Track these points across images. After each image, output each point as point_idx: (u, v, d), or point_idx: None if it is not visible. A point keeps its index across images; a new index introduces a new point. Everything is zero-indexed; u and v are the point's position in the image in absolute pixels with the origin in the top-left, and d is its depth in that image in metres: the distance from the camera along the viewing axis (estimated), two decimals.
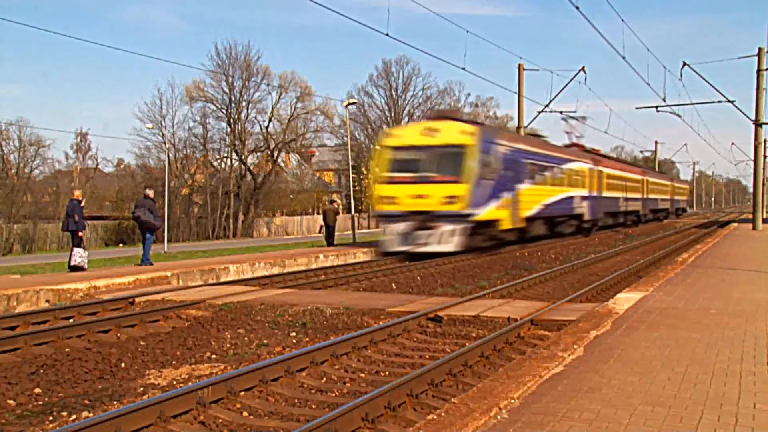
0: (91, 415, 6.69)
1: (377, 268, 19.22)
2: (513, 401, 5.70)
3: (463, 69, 27.29)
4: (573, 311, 11.17)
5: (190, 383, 7.72)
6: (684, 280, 14.08)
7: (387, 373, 8.30)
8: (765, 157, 76.94)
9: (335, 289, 15.25)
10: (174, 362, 8.93)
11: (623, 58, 31.03)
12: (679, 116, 43.65)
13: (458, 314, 11.36)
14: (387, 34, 18.90)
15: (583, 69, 36.26)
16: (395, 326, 10.35)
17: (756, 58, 36.65)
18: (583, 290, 14.47)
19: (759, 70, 36.46)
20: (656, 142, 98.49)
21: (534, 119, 37.46)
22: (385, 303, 12.65)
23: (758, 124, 37.32)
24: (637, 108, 45.71)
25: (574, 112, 51.64)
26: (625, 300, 11.38)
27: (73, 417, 6.72)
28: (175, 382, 7.93)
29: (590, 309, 10.87)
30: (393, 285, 15.99)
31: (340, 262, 22.91)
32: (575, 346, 7.81)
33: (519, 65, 36.79)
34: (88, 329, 10.28)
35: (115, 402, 7.18)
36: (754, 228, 37.29)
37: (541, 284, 16.42)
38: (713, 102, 46.23)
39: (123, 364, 8.76)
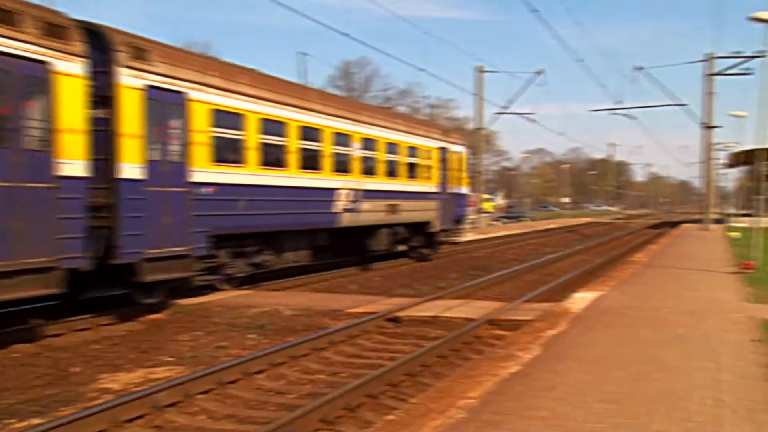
0: (41, 421, 6.51)
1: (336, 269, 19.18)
2: (471, 401, 5.73)
3: (423, 71, 27.43)
4: (530, 311, 11.30)
5: (145, 387, 7.59)
6: (638, 280, 14.38)
7: (346, 374, 8.28)
8: (715, 159, 79.01)
9: (294, 290, 15.16)
10: (129, 366, 8.76)
11: (580, 61, 31.60)
12: (635, 119, 44.56)
13: (417, 315, 11.40)
14: (347, 35, 18.82)
15: (541, 72, 36.76)
16: (354, 327, 10.33)
17: (704, 63, 37.71)
18: (540, 290, 14.64)
19: (707, 75, 37.53)
20: (610, 144, 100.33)
21: (495, 121, 37.77)
22: (345, 304, 12.62)
23: (707, 127, 38.38)
24: (591, 110, 45.95)
25: (533, 114, 52.10)
26: (581, 300, 11.57)
27: (23, 424, 6.54)
28: (129, 386, 7.78)
29: (547, 309, 11.01)
30: (352, 286, 15.98)
31: None
32: (532, 346, 7.90)
33: (477, 67, 37.18)
34: (38, 333, 10.02)
35: (66, 408, 7.01)
36: (704, 229, 38.27)
37: (498, 284, 16.57)
38: (667, 105, 46.64)
39: (75, 369, 8.56)
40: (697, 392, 6.00)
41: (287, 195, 14.58)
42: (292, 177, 14.75)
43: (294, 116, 14.85)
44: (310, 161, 15.44)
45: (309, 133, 15.41)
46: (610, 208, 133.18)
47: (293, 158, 14.81)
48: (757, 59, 33.98)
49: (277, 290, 14.95)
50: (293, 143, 14.79)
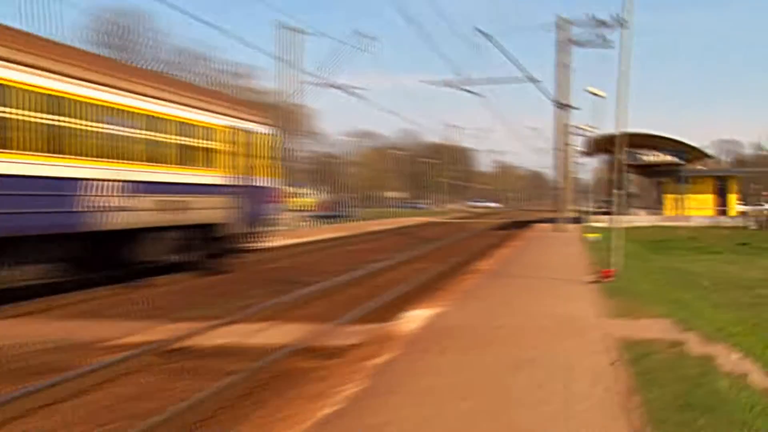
0: None
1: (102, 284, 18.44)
2: None
3: (223, 31, 27.11)
4: (354, 334, 11.54)
5: None
6: (483, 292, 15.16)
7: (113, 426, 8.01)
8: (571, 144, 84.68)
9: (40, 315, 14.38)
10: None
11: (415, 25, 32.74)
12: (482, 97, 46.62)
13: (209, 344, 11.26)
14: None
15: (369, 37, 37.56)
16: (126, 362, 10.02)
17: (556, 29, 40.15)
18: (366, 307, 14.98)
19: (559, 43, 40.01)
20: (451, 126, 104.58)
21: (317, 98, 38.14)
22: (113, 332, 12.20)
23: (561, 106, 40.87)
24: (427, 82, 46.92)
25: (360, 88, 53.19)
26: (415, 318, 11.99)
27: None
28: None
29: (375, 331, 11.32)
30: (123, 308, 15.45)
31: None
32: (357, 377, 8.08)
33: (282, 24, 37.32)
34: None
35: None
36: (560, 230, 41.00)
37: (315, 301, 16.74)
38: (516, 81, 48.86)
39: None
40: (548, 427, 6.43)
41: (6, 188, 13.25)
42: (12, 162, 13.35)
43: (17, 77, 13.55)
44: (44, 141, 14.19)
45: (41, 100, 14.11)
46: (492, 204, 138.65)
47: (15, 136, 13.50)
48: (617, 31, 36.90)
49: (13, 317, 14.13)
50: (17, 114, 13.53)
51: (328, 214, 67.25)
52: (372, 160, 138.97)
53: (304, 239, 35.47)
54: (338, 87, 41.06)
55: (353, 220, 63.34)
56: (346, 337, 11.32)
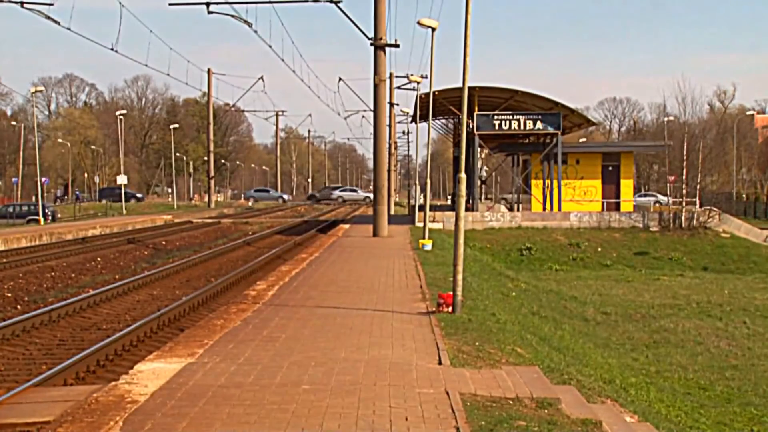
0: None
1: None
2: None
3: None
4: (55, 404, 11.12)
5: None
6: (259, 332, 15.00)
7: None
8: (394, 105, 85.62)
9: None
10: None
11: None
12: (248, 23, 45.42)
13: None
14: None
15: None
16: None
17: None
18: (68, 361, 14.53)
19: None
20: (210, 73, 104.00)
21: None
22: None
23: (379, 46, 40.82)
24: (171, 5, 45.14)
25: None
26: (151, 375, 11.69)
27: None
28: None
29: (84, 397, 10.93)
30: None
31: None
32: None
33: None
34: None
35: None
36: (375, 233, 41.05)
37: None
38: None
39: None
40: None
41: None
42: None
43: None
44: None
45: None
46: (359, 192, 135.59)
47: None
48: None
49: None
50: None
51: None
52: (76, 123, 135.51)
53: None
54: None
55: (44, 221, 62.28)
56: (35, 411, 10.88)
